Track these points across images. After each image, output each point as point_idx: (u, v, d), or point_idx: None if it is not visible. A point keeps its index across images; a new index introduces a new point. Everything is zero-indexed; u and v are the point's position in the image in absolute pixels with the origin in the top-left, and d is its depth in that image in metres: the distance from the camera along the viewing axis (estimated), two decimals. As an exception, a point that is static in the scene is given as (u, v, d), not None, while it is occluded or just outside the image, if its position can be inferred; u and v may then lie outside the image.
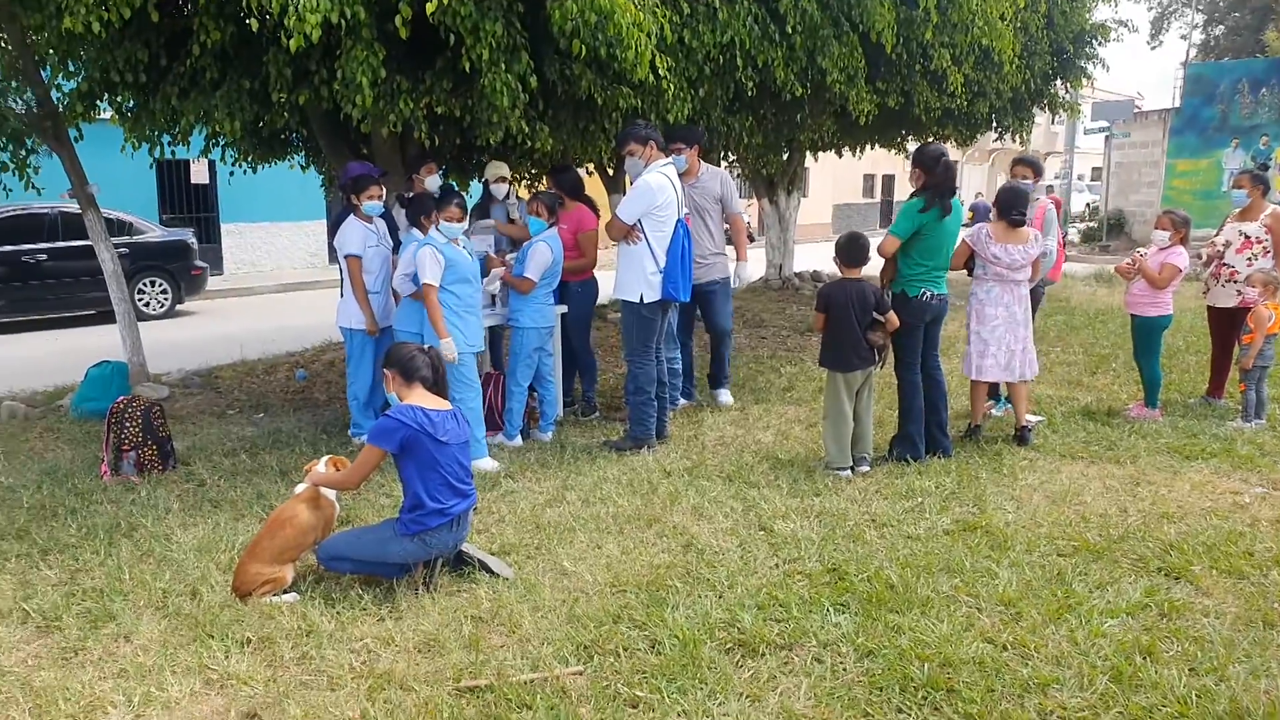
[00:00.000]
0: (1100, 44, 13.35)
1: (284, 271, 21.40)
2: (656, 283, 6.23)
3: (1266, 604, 4.05)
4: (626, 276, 6.31)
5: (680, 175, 6.75)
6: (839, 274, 6.00)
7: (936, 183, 5.86)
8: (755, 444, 6.55)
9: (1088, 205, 33.90)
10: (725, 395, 7.72)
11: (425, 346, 4.58)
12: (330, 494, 4.47)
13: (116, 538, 4.90)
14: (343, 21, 5.50)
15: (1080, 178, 41.19)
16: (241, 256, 21.21)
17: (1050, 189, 38.38)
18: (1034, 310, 6.89)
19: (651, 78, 6.58)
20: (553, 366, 6.93)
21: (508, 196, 7.85)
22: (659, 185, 6.16)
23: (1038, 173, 7.06)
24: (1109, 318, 11.97)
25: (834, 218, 36.22)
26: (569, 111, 7.33)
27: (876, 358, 5.90)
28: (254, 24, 5.65)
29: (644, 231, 6.18)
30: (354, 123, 6.35)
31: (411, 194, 6.90)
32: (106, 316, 13.32)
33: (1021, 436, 6.48)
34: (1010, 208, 6.27)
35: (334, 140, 7.96)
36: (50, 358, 10.83)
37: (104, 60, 6.57)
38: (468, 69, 5.98)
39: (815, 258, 19.17)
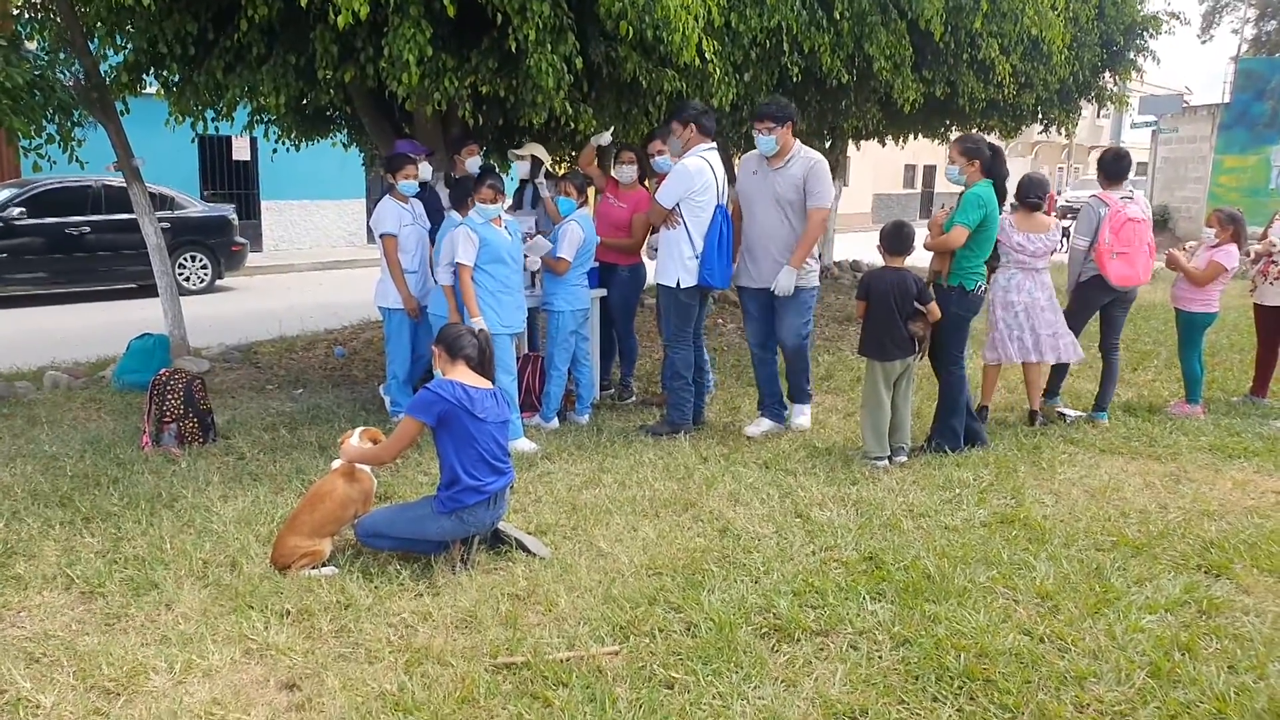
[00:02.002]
0: (1151, 36, 13.12)
1: (323, 249, 21.59)
2: (693, 268, 6.21)
3: (1309, 604, 3.99)
4: (665, 261, 6.30)
5: (769, 158, 6.17)
6: (881, 262, 5.96)
7: (999, 174, 5.86)
8: (792, 432, 6.52)
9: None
10: (800, 416, 6.63)
11: (475, 327, 4.60)
12: (367, 467, 4.50)
13: (158, 508, 4.95)
14: (391, -1, 5.52)
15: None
16: (281, 233, 21.42)
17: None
18: (1129, 308, 6.98)
19: (698, 61, 6.55)
20: (589, 350, 6.93)
21: (535, 176, 7.81)
22: (697, 169, 6.12)
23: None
24: (1151, 314, 11.80)
25: (874, 207, 35.99)
26: (612, 94, 7.31)
27: (916, 348, 5.86)
28: (302, 0, 5.66)
29: (682, 216, 6.16)
30: (399, 101, 6.36)
31: (457, 176, 6.91)
32: (147, 290, 13.53)
33: (1032, 417, 6.82)
34: (1028, 193, 6.38)
35: (377, 118, 8.00)
36: (91, 329, 10.98)
37: (152, 33, 6.60)
38: (514, 49, 5.97)
39: (855, 247, 19.07)
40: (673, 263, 6.24)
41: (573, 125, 6.97)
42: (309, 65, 6.52)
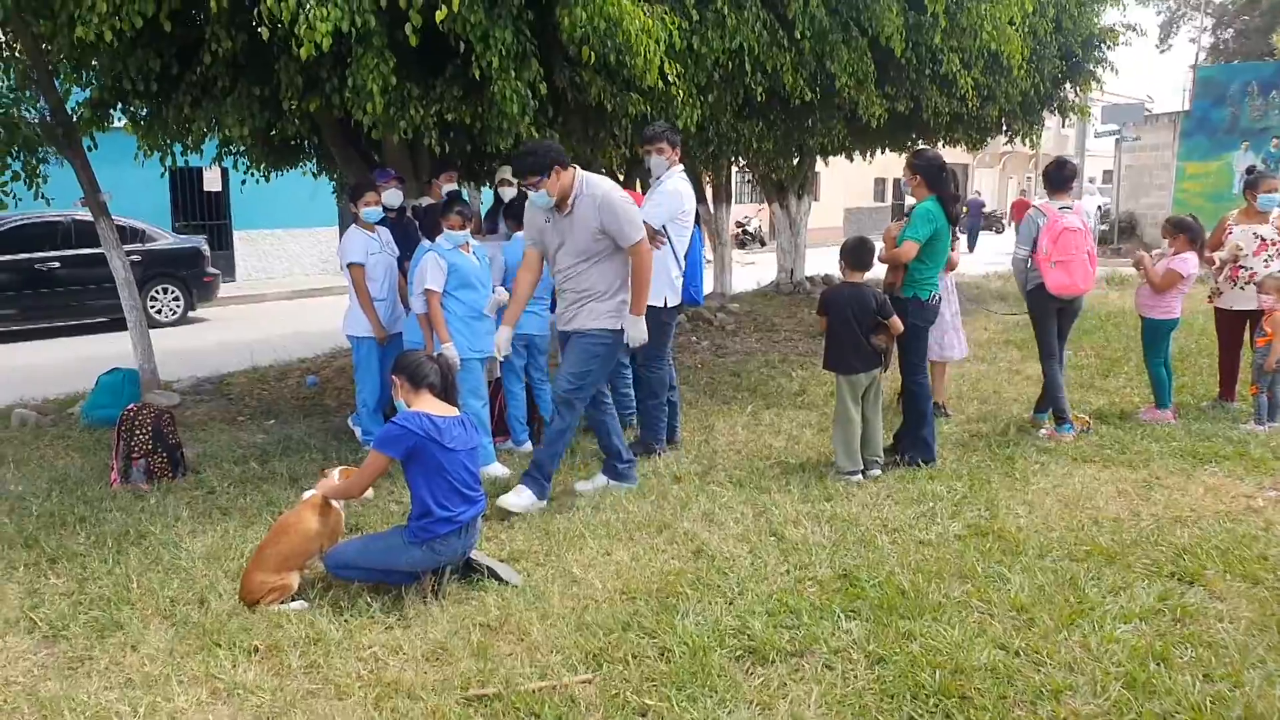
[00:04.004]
0: (1109, 48, 13.32)
1: (296, 278, 21.47)
2: (679, 286, 6.25)
3: (1281, 609, 4.02)
4: None
5: (556, 209, 5.32)
6: (843, 277, 6.01)
7: (945, 191, 5.94)
8: (766, 449, 6.53)
9: (1099, 208, 33.80)
10: (516, 496, 5.32)
11: (434, 354, 4.56)
12: (338, 502, 4.46)
13: (125, 546, 4.87)
14: (353, 30, 5.51)
15: (1091, 180, 41.03)
16: (254, 264, 21.30)
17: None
18: (1077, 317, 7.08)
19: (661, 84, 6.58)
20: (545, 376, 6.84)
21: None
22: (687, 192, 6.20)
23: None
24: (1121, 320, 11.91)
25: (845, 221, 36.15)
26: (579, 118, 7.34)
27: (880, 361, 5.90)
28: (265, 33, 5.65)
29: (668, 236, 6.15)
30: (365, 130, 6.35)
31: (426, 205, 6.91)
32: (119, 324, 13.38)
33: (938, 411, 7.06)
34: None
35: (345, 147, 8.00)
36: (62, 365, 10.87)
37: (116, 69, 6.58)
38: (478, 76, 5.99)
39: (827, 262, 19.14)
40: (658, 282, 6.09)
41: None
42: (274, 96, 6.52)
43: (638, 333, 5.44)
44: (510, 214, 6.70)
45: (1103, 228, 26.80)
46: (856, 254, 5.90)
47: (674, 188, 6.12)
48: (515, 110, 6.08)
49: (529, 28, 6.13)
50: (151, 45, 6.47)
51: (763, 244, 29.79)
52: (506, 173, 7.68)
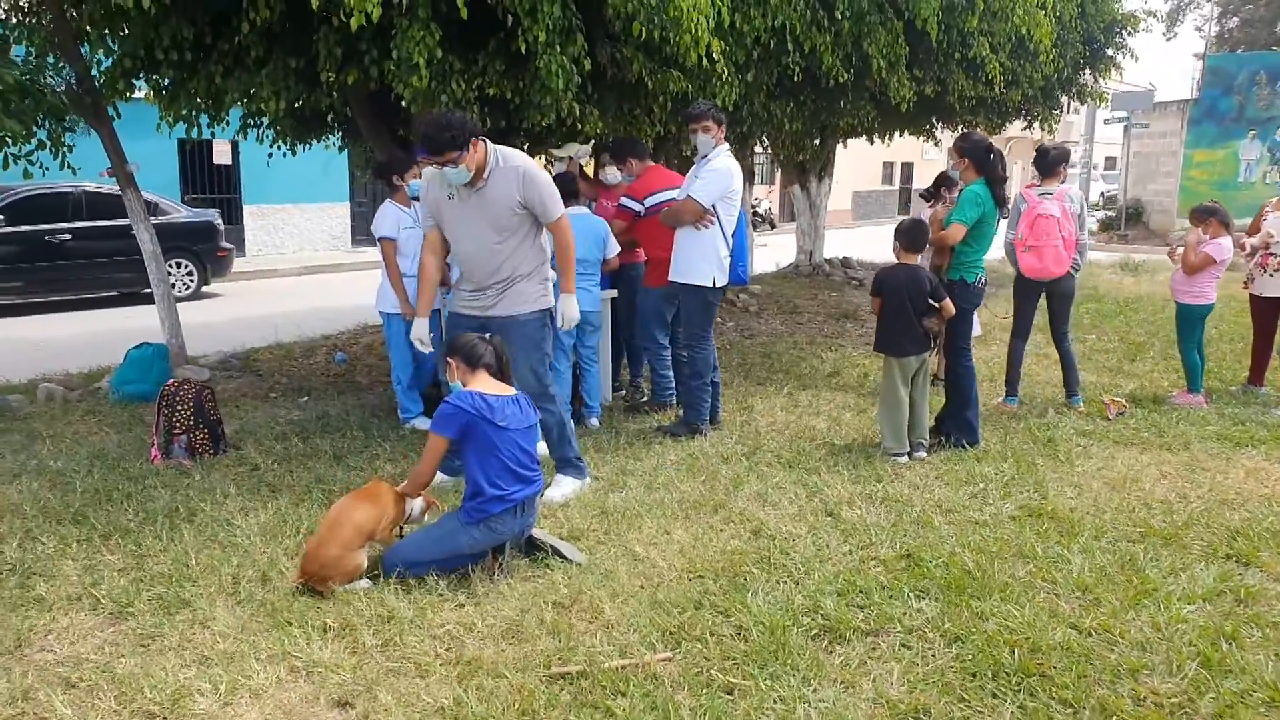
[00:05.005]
0: (1130, 34, 13.29)
1: (306, 254, 21.35)
2: (727, 266, 6.21)
3: (1340, 593, 4.04)
4: (695, 260, 6.15)
5: (467, 184, 4.89)
6: (894, 259, 5.99)
7: (993, 174, 5.95)
8: (809, 430, 6.52)
9: (1103, 194, 33.87)
10: (558, 488, 5.23)
11: (487, 335, 4.53)
12: (418, 503, 4.47)
13: (177, 522, 4.82)
14: (401, 0, 5.45)
15: (1095, 167, 41.02)
16: (264, 239, 21.14)
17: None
18: (1069, 300, 7.21)
19: (705, 62, 6.52)
20: (593, 354, 6.81)
21: None
22: (735, 170, 6.15)
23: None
24: (1139, 305, 11.97)
25: (854, 204, 36.06)
26: (615, 95, 7.26)
27: (931, 344, 5.90)
28: (315, 2, 5.52)
29: (717, 215, 6.11)
30: (404, 103, 6.28)
31: None
32: (130, 298, 13.33)
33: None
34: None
35: (374, 122, 7.91)
36: (74, 339, 10.80)
37: (148, 36, 6.44)
38: (523, 50, 5.92)
39: (835, 244, 19.13)
40: (706, 262, 6.14)
41: (579, 126, 6.93)
42: (310, 68, 6.42)
43: (572, 311, 5.19)
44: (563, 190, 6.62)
45: (1109, 213, 26.83)
46: (911, 235, 5.88)
47: (723, 165, 6.07)
48: (559, 85, 6.01)
49: (575, 2, 6.06)
50: (185, 13, 6.36)
51: (772, 226, 29.69)
52: (573, 150, 7.62)
